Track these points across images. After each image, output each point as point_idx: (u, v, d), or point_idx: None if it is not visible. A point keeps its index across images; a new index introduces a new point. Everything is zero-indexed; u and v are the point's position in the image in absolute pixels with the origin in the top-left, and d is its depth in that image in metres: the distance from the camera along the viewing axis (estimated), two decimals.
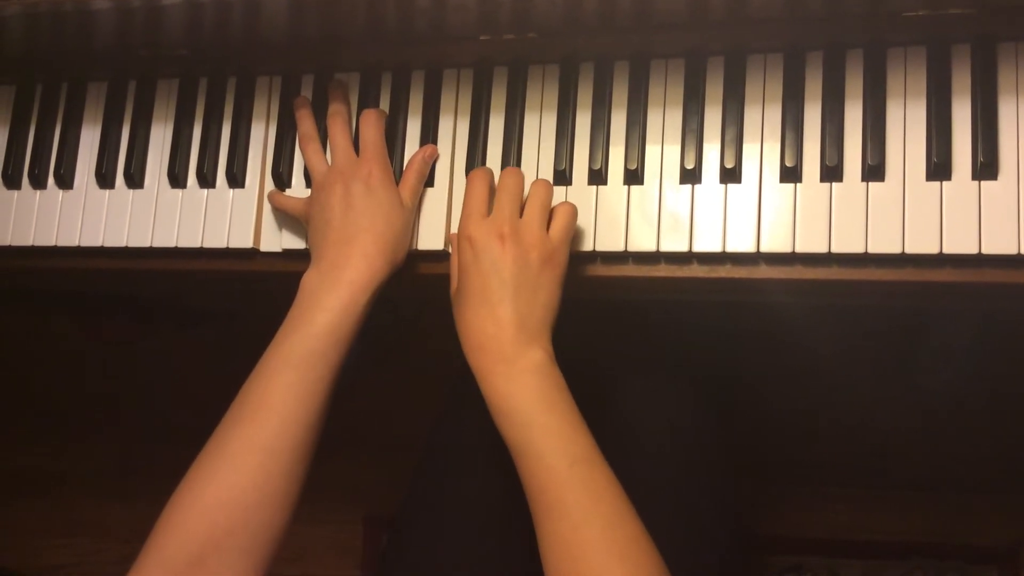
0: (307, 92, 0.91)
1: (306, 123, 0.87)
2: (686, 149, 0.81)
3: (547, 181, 0.81)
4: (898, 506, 1.43)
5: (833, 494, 1.45)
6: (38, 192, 0.94)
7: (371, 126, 0.85)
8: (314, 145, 0.86)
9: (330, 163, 0.85)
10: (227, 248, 0.88)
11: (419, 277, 0.86)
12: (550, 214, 0.80)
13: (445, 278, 0.85)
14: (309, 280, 0.79)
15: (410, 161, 0.85)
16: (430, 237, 0.85)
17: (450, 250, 0.84)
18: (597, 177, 0.82)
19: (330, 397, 0.76)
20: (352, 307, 0.76)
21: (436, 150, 0.86)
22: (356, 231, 0.79)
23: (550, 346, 0.75)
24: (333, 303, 0.76)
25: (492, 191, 0.82)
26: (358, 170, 0.82)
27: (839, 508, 1.45)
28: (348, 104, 0.88)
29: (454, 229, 0.84)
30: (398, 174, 0.86)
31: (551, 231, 0.78)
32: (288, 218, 0.88)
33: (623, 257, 0.81)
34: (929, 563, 1.40)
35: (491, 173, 0.83)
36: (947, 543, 1.41)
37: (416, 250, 0.85)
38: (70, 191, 0.93)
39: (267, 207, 0.89)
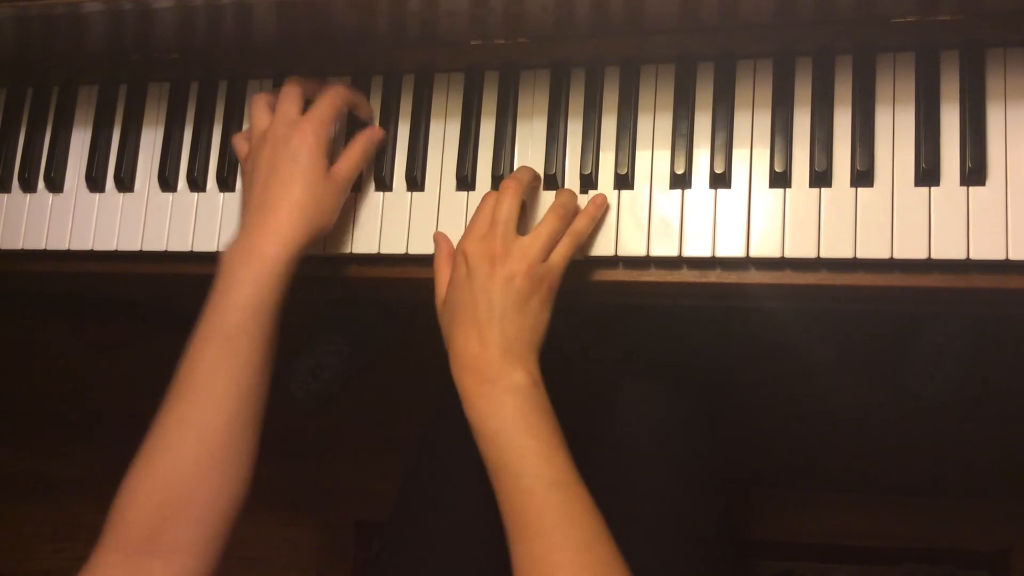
0: None
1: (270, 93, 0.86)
2: (676, 154, 0.81)
3: (568, 209, 0.79)
4: (889, 511, 1.43)
5: (824, 499, 1.46)
6: (28, 195, 0.94)
7: (326, 99, 0.83)
8: (263, 103, 0.84)
9: None
10: (217, 252, 0.88)
11: (412, 281, 0.86)
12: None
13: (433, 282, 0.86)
14: (228, 252, 0.78)
15: (355, 136, 0.85)
16: (420, 242, 0.85)
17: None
18: (587, 182, 0.83)
19: (263, 365, 0.76)
20: (266, 278, 0.76)
21: (383, 132, 0.86)
22: (273, 197, 0.79)
23: (536, 368, 0.75)
24: (247, 275, 0.76)
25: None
26: (291, 134, 0.80)
27: (830, 513, 1.45)
28: (318, 89, 0.86)
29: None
30: (385, 180, 0.86)
31: (552, 256, 0.77)
32: None
33: (613, 262, 0.81)
34: (920, 568, 1.41)
35: (528, 185, 0.81)
36: (938, 548, 1.41)
37: (408, 254, 0.85)
38: (60, 194, 0.93)
39: None
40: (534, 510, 0.70)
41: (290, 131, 0.81)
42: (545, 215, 0.79)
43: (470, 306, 0.75)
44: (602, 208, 0.81)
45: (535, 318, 0.76)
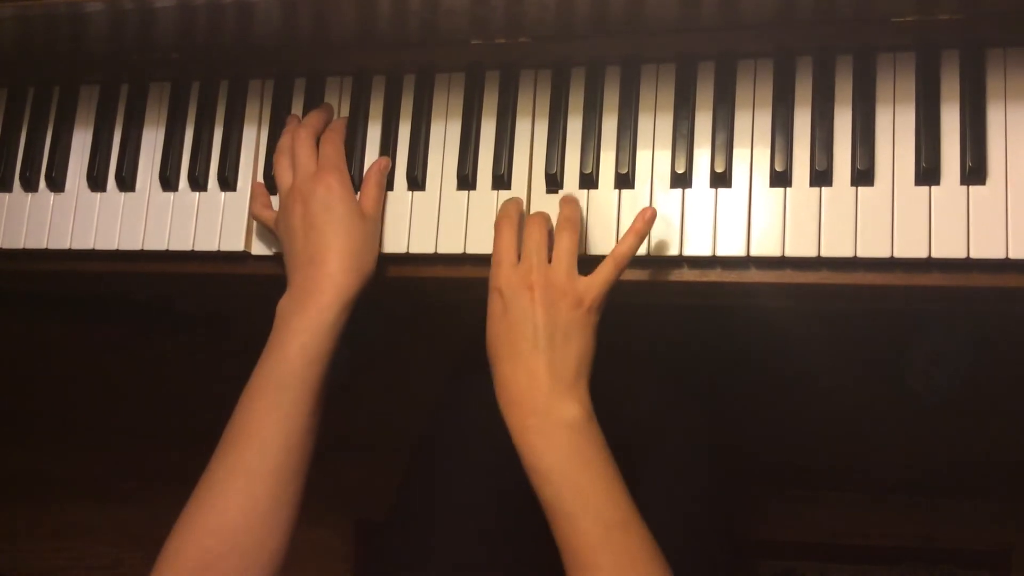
0: (299, 95, 0.91)
1: (286, 137, 0.87)
2: (677, 154, 0.81)
3: (574, 222, 0.78)
4: (889, 510, 1.43)
5: (825, 499, 1.46)
6: (30, 195, 0.94)
7: (328, 143, 0.85)
8: (285, 160, 0.86)
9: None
10: (218, 251, 0.88)
11: (410, 280, 0.86)
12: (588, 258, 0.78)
13: (436, 281, 0.86)
14: (282, 305, 0.79)
15: (367, 173, 0.86)
16: (421, 241, 0.85)
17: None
18: (588, 181, 0.83)
19: (314, 417, 0.77)
20: (321, 326, 0.77)
21: (389, 161, 0.87)
22: (318, 251, 0.79)
23: (587, 398, 0.73)
24: (302, 325, 0.77)
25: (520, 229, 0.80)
26: (316, 186, 0.81)
27: (831, 513, 1.45)
28: (325, 119, 0.88)
29: (444, 234, 0.84)
30: (389, 181, 0.86)
31: (593, 279, 0.75)
32: None
33: None
34: (921, 567, 1.41)
35: (518, 215, 0.80)
36: (938, 547, 1.41)
37: (409, 254, 0.85)
38: (62, 194, 0.93)
39: None
40: (592, 552, 0.68)
41: (315, 184, 0.81)
42: (556, 234, 0.78)
43: (511, 339, 0.74)
44: (650, 223, 0.78)
45: (581, 344, 0.74)
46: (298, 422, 0.75)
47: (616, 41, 0.84)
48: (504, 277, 0.75)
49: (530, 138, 0.85)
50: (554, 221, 0.80)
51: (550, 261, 0.76)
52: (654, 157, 0.82)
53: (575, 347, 0.73)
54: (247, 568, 0.71)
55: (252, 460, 0.73)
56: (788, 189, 0.79)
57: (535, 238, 0.77)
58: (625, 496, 0.70)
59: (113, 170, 0.92)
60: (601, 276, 0.75)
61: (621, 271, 0.76)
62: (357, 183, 0.86)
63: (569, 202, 0.81)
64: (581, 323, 0.74)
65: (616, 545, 0.68)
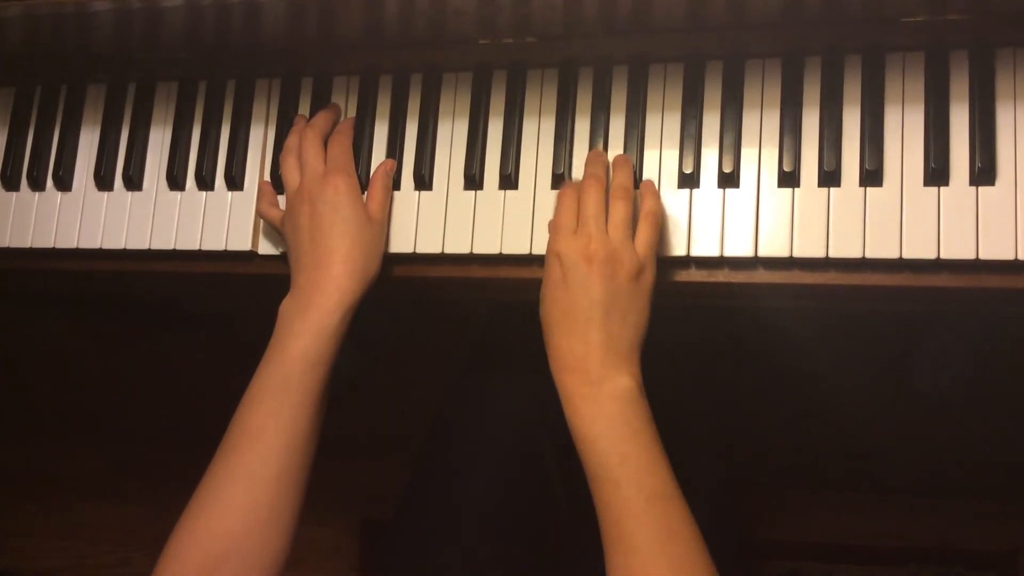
0: (306, 95, 0.91)
1: (293, 137, 0.87)
2: (684, 154, 0.81)
3: (628, 190, 0.78)
4: (897, 511, 1.43)
5: (831, 499, 1.45)
6: (37, 194, 0.94)
7: (336, 144, 0.85)
8: (292, 160, 0.86)
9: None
10: (225, 250, 0.88)
11: (417, 280, 0.86)
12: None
13: (443, 281, 0.86)
14: (284, 307, 0.79)
15: (373, 176, 0.86)
16: (428, 241, 0.85)
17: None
18: None
19: (315, 420, 0.77)
20: (323, 330, 0.77)
21: (395, 164, 0.87)
22: (324, 253, 0.79)
23: (638, 371, 0.74)
24: (304, 328, 0.76)
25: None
26: (324, 187, 0.81)
27: (837, 513, 1.45)
28: (333, 120, 0.88)
29: (451, 234, 0.84)
30: (393, 179, 0.86)
31: (637, 245, 0.75)
32: None
33: None
34: (928, 568, 1.40)
35: (578, 185, 0.80)
36: (946, 548, 1.40)
37: (416, 253, 0.85)
38: (69, 193, 0.93)
39: None
40: (632, 522, 0.68)
41: (323, 186, 0.81)
42: (611, 203, 0.77)
43: (570, 307, 0.73)
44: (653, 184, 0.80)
45: (637, 315, 0.74)
46: (300, 425, 0.75)
47: (623, 40, 0.84)
48: (564, 243, 0.75)
49: (537, 138, 0.85)
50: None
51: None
52: (662, 157, 0.82)
53: (632, 319, 0.74)
54: (249, 571, 0.71)
55: (254, 463, 0.73)
56: (796, 189, 0.78)
57: (592, 207, 0.76)
58: (668, 471, 0.70)
59: (120, 169, 0.92)
60: (646, 244, 0.76)
61: (660, 228, 0.77)
62: (364, 182, 0.86)
63: (622, 166, 0.80)
64: (639, 295, 0.74)
65: (656, 516, 0.68)
